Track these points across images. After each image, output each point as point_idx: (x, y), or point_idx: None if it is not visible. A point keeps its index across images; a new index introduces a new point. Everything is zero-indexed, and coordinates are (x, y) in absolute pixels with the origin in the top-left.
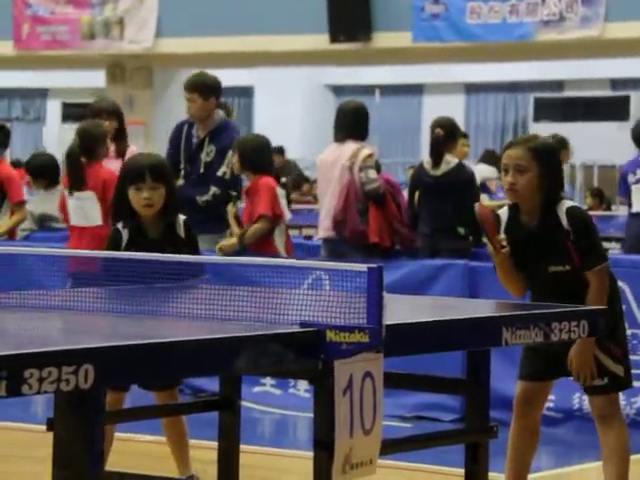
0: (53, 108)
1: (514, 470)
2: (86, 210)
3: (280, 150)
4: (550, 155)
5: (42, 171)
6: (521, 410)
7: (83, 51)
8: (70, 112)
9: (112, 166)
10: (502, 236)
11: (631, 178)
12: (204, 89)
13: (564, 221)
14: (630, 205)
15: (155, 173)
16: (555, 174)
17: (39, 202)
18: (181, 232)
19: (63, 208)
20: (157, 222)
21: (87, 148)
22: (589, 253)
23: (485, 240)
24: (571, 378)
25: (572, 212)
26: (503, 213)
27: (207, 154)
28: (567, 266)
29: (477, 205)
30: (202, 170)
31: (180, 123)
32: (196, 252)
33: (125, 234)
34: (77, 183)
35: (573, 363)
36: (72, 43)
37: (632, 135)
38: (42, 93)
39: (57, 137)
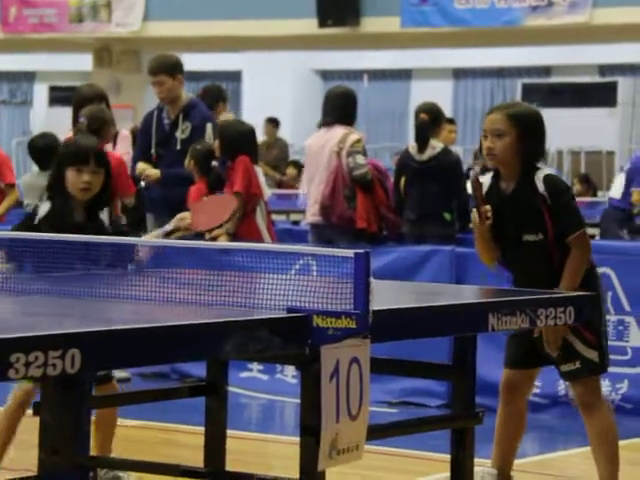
0: (40, 91)
1: (500, 455)
2: None
3: (274, 121)
4: (529, 121)
5: (48, 153)
6: (506, 397)
7: (71, 34)
8: (57, 95)
9: None
10: (488, 207)
11: None
12: (169, 68)
13: (540, 187)
14: None
15: (99, 158)
16: (534, 140)
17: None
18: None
19: None
20: (84, 207)
21: (95, 130)
22: (567, 218)
23: (472, 209)
24: (553, 366)
25: (549, 178)
26: (486, 180)
27: (182, 131)
28: (540, 234)
29: (472, 172)
30: (179, 147)
31: (149, 112)
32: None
33: (43, 210)
34: None
35: (545, 333)
36: (59, 26)
37: None
38: (29, 76)
39: (44, 120)
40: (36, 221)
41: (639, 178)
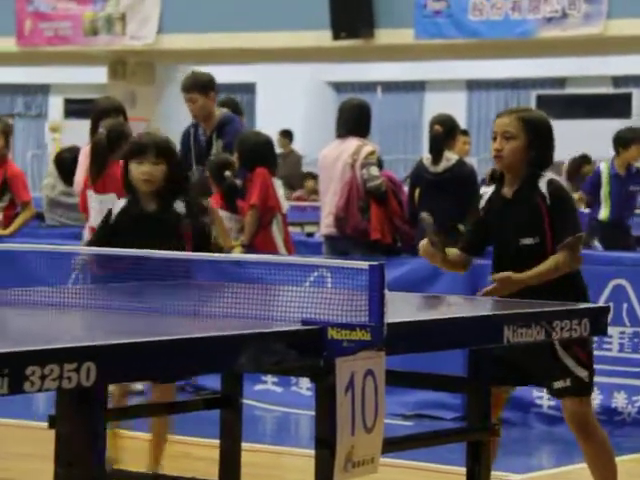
0: (55, 104)
1: None
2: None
3: (288, 134)
4: (540, 127)
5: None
6: None
7: (85, 47)
8: (72, 108)
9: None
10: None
11: None
12: (201, 86)
13: (543, 188)
14: None
15: (158, 149)
16: (543, 146)
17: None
18: (180, 209)
19: (85, 208)
20: (154, 199)
21: (113, 143)
22: (565, 222)
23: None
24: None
25: (554, 181)
26: (488, 189)
27: (217, 148)
28: (537, 238)
29: (423, 214)
30: None
31: (187, 128)
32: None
33: (118, 206)
34: (98, 173)
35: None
36: (74, 39)
37: None
38: (44, 89)
39: (59, 133)
40: (112, 220)
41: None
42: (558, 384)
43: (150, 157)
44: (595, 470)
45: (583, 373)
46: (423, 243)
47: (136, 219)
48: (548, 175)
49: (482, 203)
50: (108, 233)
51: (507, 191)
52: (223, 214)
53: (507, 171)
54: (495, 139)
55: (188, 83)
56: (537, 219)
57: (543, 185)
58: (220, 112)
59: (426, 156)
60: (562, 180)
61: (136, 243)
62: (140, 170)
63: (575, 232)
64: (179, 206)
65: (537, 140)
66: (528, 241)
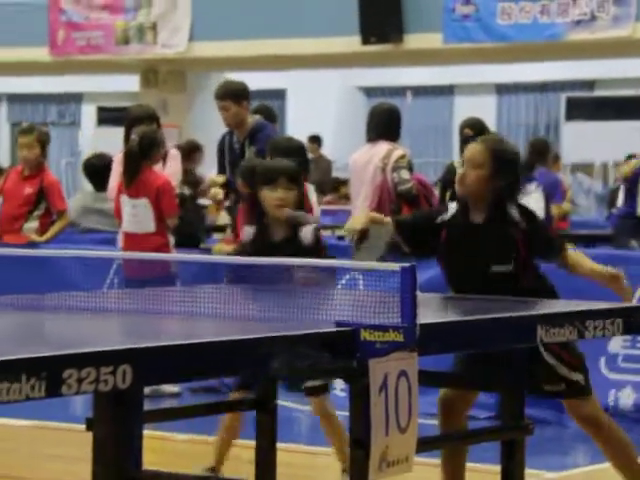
0: (88, 112)
1: (448, 471)
2: (140, 217)
3: (316, 139)
4: (507, 158)
5: (104, 173)
6: (444, 415)
7: (117, 56)
8: (105, 116)
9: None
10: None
11: None
12: (235, 94)
13: (515, 215)
14: None
15: (290, 175)
16: (509, 176)
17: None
18: (306, 239)
19: (118, 213)
20: (283, 225)
21: (145, 150)
22: (549, 242)
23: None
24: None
25: (522, 206)
26: (451, 207)
27: (249, 156)
28: (510, 266)
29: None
30: None
31: (223, 135)
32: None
33: (248, 235)
34: (132, 179)
35: None
36: (106, 48)
37: None
38: (77, 98)
39: (92, 141)
40: (248, 249)
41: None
42: (551, 387)
43: (282, 183)
44: (619, 468)
45: (578, 377)
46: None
47: (260, 250)
48: (515, 203)
49: (445, 216)
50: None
51: (475, 217)
52: None
53: (470, 197)
54: (463, 164)
55: (221, 91)
56: (511, 247)
57: (514, 212)
58: (252, 119)
59: (457, 160)
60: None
61: (468, 253)
62: (274, 196)
63: (565, 245)
64: (305, 234)
65: (501, 169)
66: (500, 268)
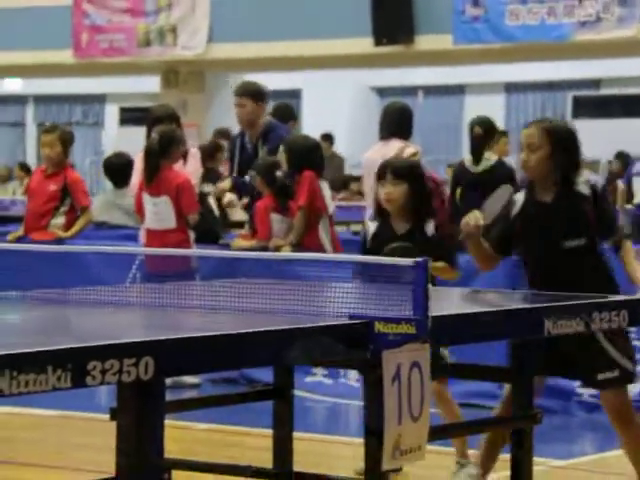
0: (111, 112)
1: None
2: (161, 214)
3: (329, 137)
4: (562, 135)
5: (123, 171)
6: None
7: (139, 58)
8: (127, 116)
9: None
10: (477, 213)
11: None
12: (254, 93)
13: (585, 190)
14: None
15: (396, 170)
16: (567, 153)
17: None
18: (429, 232)
19: (140, 209)
20: (404, 219)
21: (164, 148)
22: (613, 221)
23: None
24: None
25: (593, 183)
26: (519, 196)
27: (262, 155)
28: (583, 239)
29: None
30: None
31: (234, 137)
32: (447, 256)
33: (372, 227)
34: (151, 176)
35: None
36: (128, 50)
37: None
38: (100, 98)
39: (115, 140)
40: (368, 245)
41: None
42: (604, 375)
43: (389, 178)
44: (634, 456)
45: (628, 364)
46: (476, 215)
47: (386, 241)
48: (584, 176)
49: (515, 209)
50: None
51: (544, 197)
52: (274, 217)
53: (536, 179)
54: (522, 150)
55: (241, 89)
56: (583, 221)
57: (584, 187)
58: (265, 120)
59: (467, 157)
60: (599, 178)
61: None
62: (382, 191)
63: (615, 232)
64: (429, 228)
65: (560, 148)
66: (575, 243)
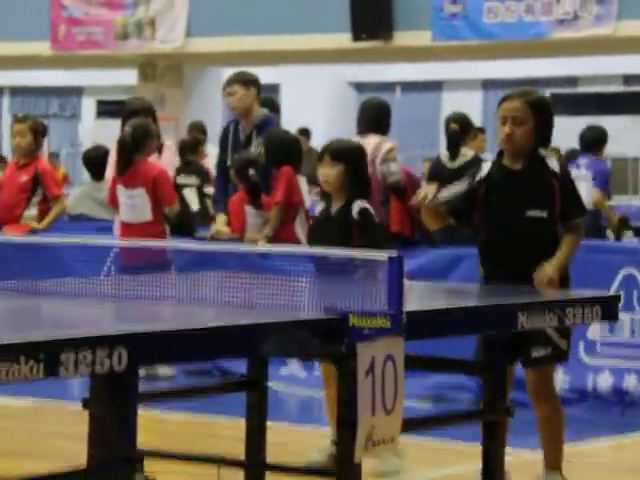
0: (88, 105)
1: None
2: (137, 207)
3: (306, 132)
4: (545, 108)
5: (101, 164)
6: None
7: (116, 51)
8: (104, 109)
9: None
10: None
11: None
12: (243, 80)
13: (554, 165)
14: None
15: (333, 152)
16: (547, 126)
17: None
18: (355, 215)
19: (113, 201)
20: (338, 200)
21: (138, 141)
22: (576, 201)
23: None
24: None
25: (563, 162)
26: (486, 165)
27: (256, 147)
28: (545, 212)
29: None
30: None
31: (226, 124)
32: (369, 239)
33: (318, 208)
34: (125, 168)
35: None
36: (106, 43)
37: (580, 141)
38: (77, 91)
39: (92, 133)
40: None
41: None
42: (537, 353)
43: (326, 159)
44: (545, 434)
45: (563, 343)
46: (432, 186)
47: (322, 222)
48: (556, 158)
49: (480, 176)
50: (309, 235)
51: (511, 165)
52: (248, 210)
53: (515, 152)
54: (504, 123)
55: (230, 77)
56: (548, 193)
57: (554, 165)
58: (261, 112)
59: (443, 152)
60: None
61: (320, 242)
62: (319, 173)
63: (584, 213)
64: (355, 208)
65: (543, 121)
66: (536, 213)
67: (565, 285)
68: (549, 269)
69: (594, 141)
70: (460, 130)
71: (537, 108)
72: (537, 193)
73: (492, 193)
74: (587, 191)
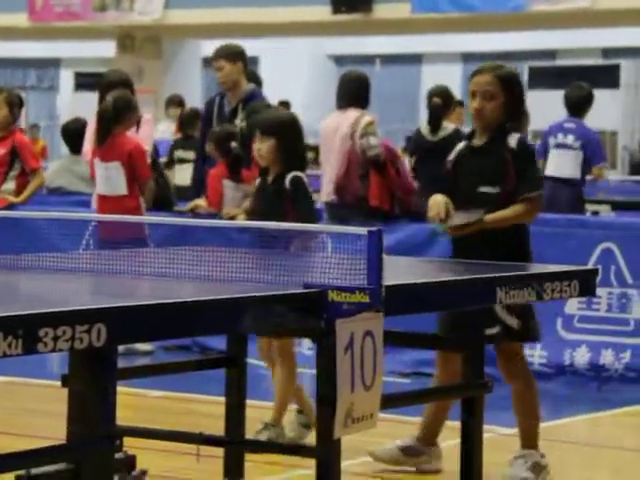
0: (66, 77)
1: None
2: (112, 180)
3: (286, 105)
4: (516, 83)
5: (79, 136)
6: (441, 370)
7: (94, 22)
8: (82, 81)
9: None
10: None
11: (552, 141)
12: (229, 54)
13: (512, 143)
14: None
15: (263, 126)
16: (519, 102)
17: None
18: (287, 184)
19: (94, 174)
20: (273, 174)
21: (119, 112)
22: (530, 177)
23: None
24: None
25: (523, 139)
26: (461, 144)
27: (242, 120)
28: (497, 188)
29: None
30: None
31: (211, 97)
32: (300, 208)
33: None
34: (103, 140)
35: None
36: (84, 15)
37: (566, 101)
38: (55, 63)
39: (70, 105)
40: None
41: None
42: (489, 330)
43: (258, 135)
44: (519, 407)
45: (512, 321)
46: (447, 200)
47: (259, 191)
48: (518, 135)
49: (452, 155)
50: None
51: (478, 140)
52: (228, 184)
53: (484, 126)
54: (474, 97)
55: (217, 51)
56: (501, 169)
57: (513, 141)
58: (248, 86)
59: (424, 126)
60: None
61: (257, 212)
62: (253, 147)
63: (537, 189)
64: (287, 179)
65: (513, 96)
66: (487, 189)
67: (525, 259)
68: (465, 216)
69: (581, 102)
70: (442, 104)
71: (507, 82)
72: (491, 169)
73: (456, 171)
74: (575, 162)
